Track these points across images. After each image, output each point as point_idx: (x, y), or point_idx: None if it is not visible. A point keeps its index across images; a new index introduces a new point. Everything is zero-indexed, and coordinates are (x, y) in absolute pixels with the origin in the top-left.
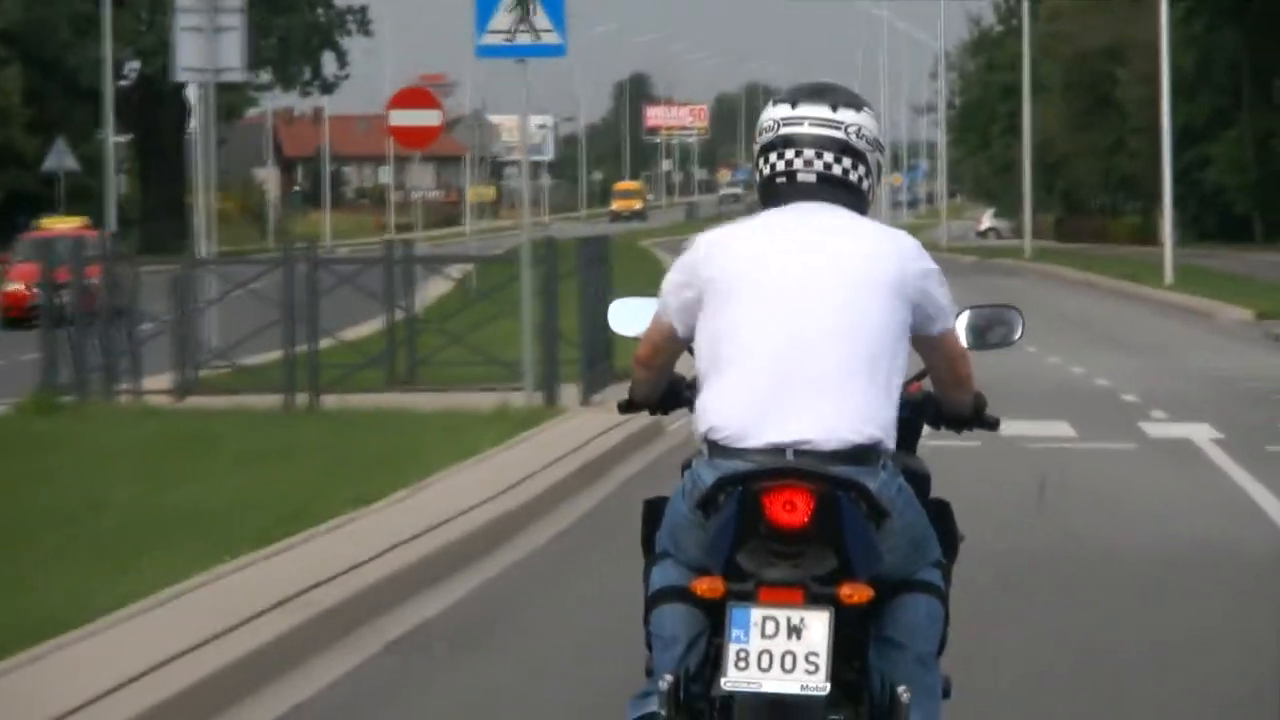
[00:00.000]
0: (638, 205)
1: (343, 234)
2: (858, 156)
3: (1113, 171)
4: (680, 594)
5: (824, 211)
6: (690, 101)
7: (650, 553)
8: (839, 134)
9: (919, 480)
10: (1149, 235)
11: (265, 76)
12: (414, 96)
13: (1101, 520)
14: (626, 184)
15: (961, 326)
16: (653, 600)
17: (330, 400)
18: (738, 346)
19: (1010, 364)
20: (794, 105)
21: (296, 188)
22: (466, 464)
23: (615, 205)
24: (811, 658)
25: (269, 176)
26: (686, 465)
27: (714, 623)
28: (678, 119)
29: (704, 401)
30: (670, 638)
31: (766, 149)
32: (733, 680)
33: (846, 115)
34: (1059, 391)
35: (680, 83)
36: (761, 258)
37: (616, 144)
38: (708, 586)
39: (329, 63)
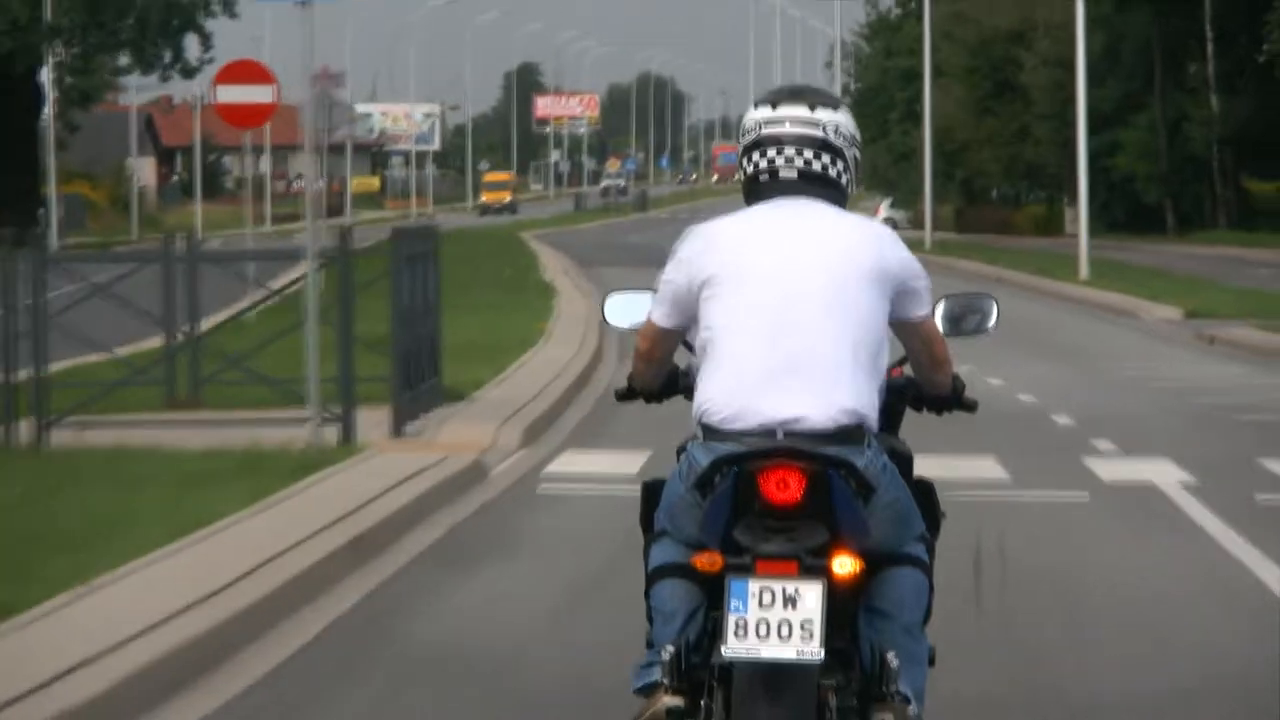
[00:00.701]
0: (507, 197)
1: (220, 225)
2: (836, 153)
3: (1016, 160)
4: (679, 570)
5: (806, 205)
6: (581, 91)
7: (649, 531)
8: (817, 132)
9: (902, 460)
10: (1054, 226)
11: (124, 60)
12: (244, 70)
13: (1066, 640)
14: (495, 174)
15: (938, 315)
16: (652, 576)
17: (66, 434)
18: (728, 334)
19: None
20: (774, 107)
21: (176, 177)
22: (178, 546)
23: (484, 197)
24: (806, 626)
25: (142, 166)
26: (682, 449)
27: (711, 597)
28: (567, 109)
29: (699, 386)
30: (670, 611)
31: (750, 148)
32: (732, 648)
33: (824, 115)
34: (979, 413)
35: (571, 72)
36: (749, 250)
37: (507, 134)
38: (707, 561)
39: (192, 46)
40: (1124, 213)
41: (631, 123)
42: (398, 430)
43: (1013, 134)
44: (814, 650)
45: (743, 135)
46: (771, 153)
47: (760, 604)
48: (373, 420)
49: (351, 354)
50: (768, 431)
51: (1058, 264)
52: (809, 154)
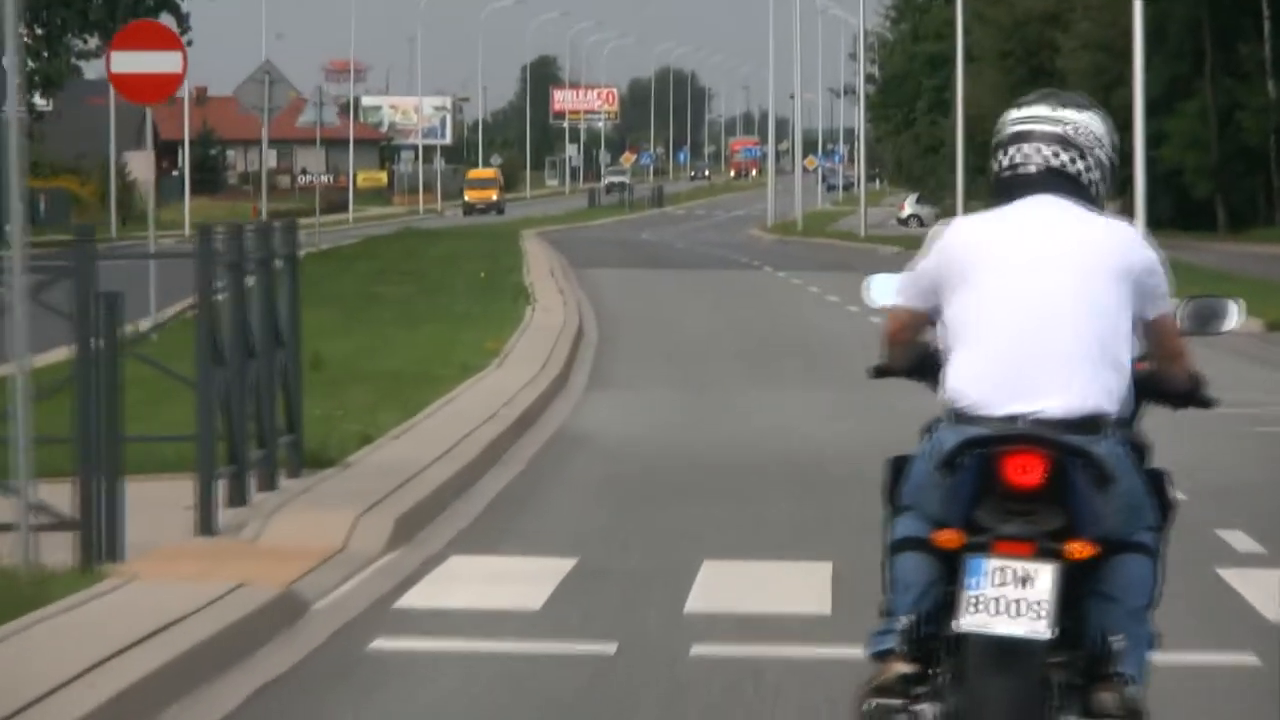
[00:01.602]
0: (493, 196)
1: (215, 221)
2: (1081, 152)
3: None
4: (920, 544)
5: (1054, 203)
6: (600, 85)
7: (893, 506)
8: (1061, 130)
9: (1139, 451)
10: None
11: (93, 42)
12: (145, 34)
13: None
14: (480, 171)
15: (1181, 312)
16: (894, 548)
17: None
18: (979, 324)
19: None
20: (1023, 107)
21: (175, 171)
22: None
23: (467, 196)
24: (1038, 605)
25: (138, 160)
26: (928, 429)
27: (948, 571)
28: (586, 103)
29: (949, 372)
30: (909, 582)
31: (997, 147)
32: (967, 622)
33: (1070, 114)
34: None
35: (590, 66)
36: (1000, 245)
37: (525, 129)
38: (947, 538)
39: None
40: (1170, 208)
41: (651, 117)
42: (206, 525)
43: None
44: (1043, 629)
45: (995, 135)
46: (1015, 150)
47: (995, 582)
48: (168, 509)
49: (104, 405)
50: (1011, 418)
51: None
52: (1051, 151)
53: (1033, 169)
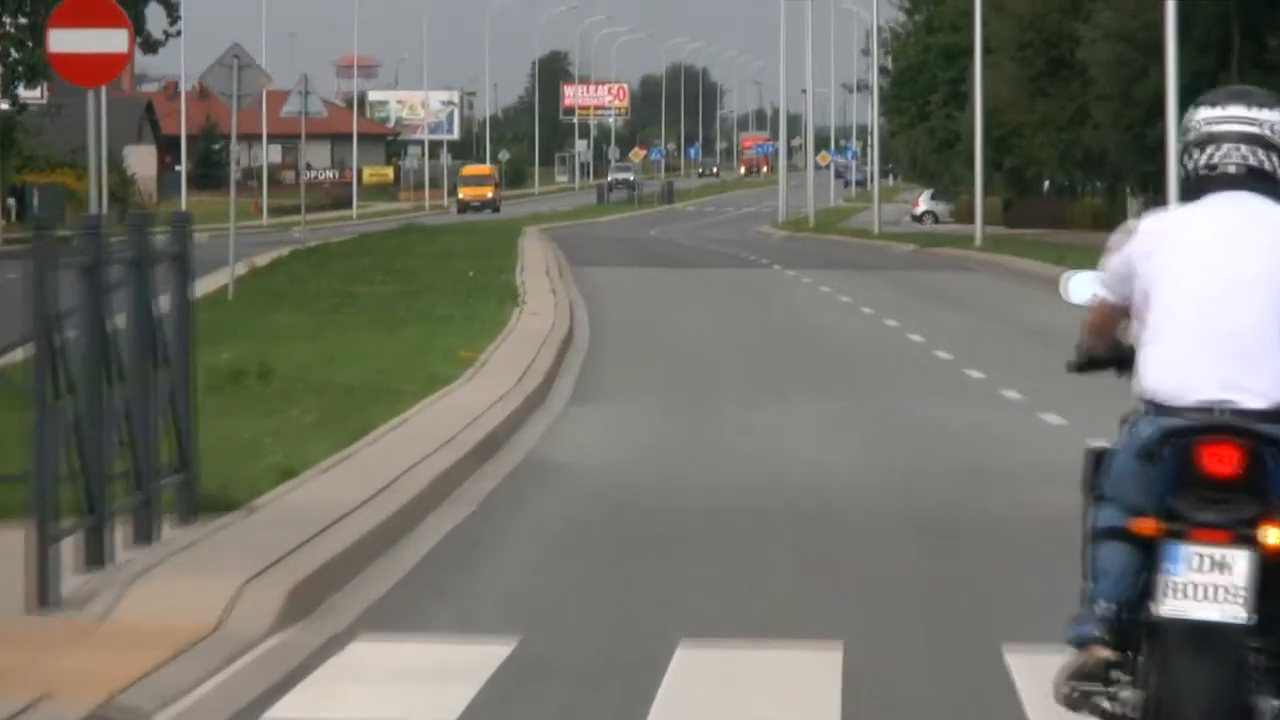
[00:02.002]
0: (489, 193)
1: (213, 218)
2: (1276, 150)
3: (1073, 146)
4: (1120, 534)
5: (1248, 199)
6: (611, 80)
7: (1094, 496)
8: (1258, 130)
9: None
10: (1115, 220)
11: None
12: (86, 9)
13: None
14: (475, 167)
15: None
16: (1095, 537)
17: None
18: (1172, 316)
19: (1020, 446)
20: (1216, 106)
21: (179, 167)
22: None
23: (461, 193)
24: (1235, 590)
25: (141, 155)
26: (1126, 421)
27: (1147, 560)
28: (597, 98)
29: (1143, 363)
30: (1109, 570)
31: (1191, 146)
32: (1165, 607)
33: (1265, 114)
34: None
35: (600, 61)
36: (1195, 239)
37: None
38: (1144, 525)
39: (156, 17)
40: None
41: (661, 113)
42: (41, 597)
43: (1069, 117)
44: (1240, 613)
45: (1184, 134)
46: (1213, 150)
47: (1193, 568)
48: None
49: None
50: (1206, 408)
51: None
52: (1248, 151)
53: (1231, 168)
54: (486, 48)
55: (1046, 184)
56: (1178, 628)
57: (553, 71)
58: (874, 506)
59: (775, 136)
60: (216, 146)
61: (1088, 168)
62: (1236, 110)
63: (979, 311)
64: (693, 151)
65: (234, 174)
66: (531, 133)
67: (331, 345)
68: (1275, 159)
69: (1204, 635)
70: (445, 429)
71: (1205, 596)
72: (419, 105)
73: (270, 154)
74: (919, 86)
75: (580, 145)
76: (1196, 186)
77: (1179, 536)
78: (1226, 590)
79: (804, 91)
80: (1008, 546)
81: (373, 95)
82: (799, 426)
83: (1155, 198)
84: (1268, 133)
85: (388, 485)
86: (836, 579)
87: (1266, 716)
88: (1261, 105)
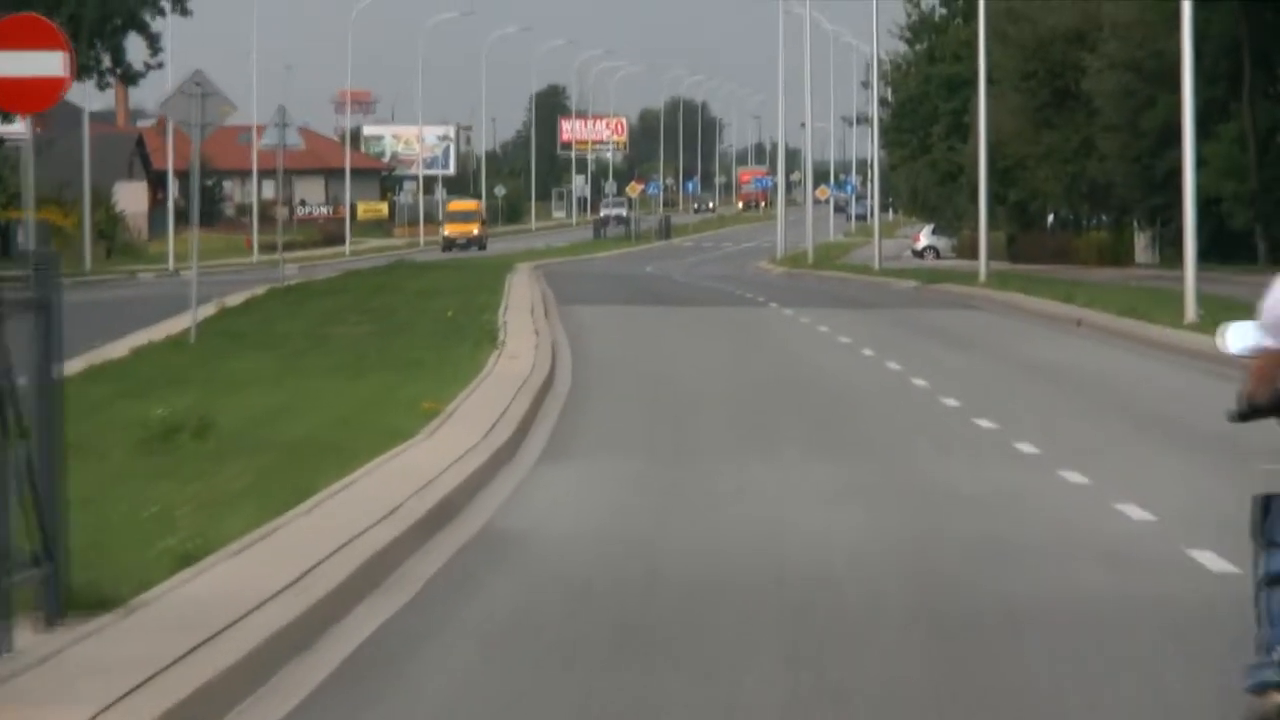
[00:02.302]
0: (475, 230)
1: (204, 255)
2: None
3: (1078, 178)
4: None
5: None
6: (609, 114)
7: (1263, 541)
8: None
9: None
10: (1121, 255)
11: None
12: (21, 30)
13: None
14: (461, 203)
15: None
16: (1270, 583)
17: None
18: None
19: (1042, 512)
20: None
21: (171, 203)
22: None
23: (446, 230)
24: None
25: (131, 191)
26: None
27: None
28: (595, 133)
29: None
30: None
31: None
32: None
33: None
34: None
35: (599, 96)
36: None
37: (535, 159)
38: None
39: (136, 49)
40: (1206, 239)
41: (660, 148)
42: None
43: (1074, 149)
44: None
45: None
46: None
47: None
48: None
49: None
50: None
51: (1151, 302)
52: None
53: None
54: (483, 82)
55: (1051, 218)
56: None
57: (551, 106)
58: (881, 592)
59: (774, 171)
60: (209, 182)
61: (1094, 200)
62: None
63: (985, 352)
64: (691, 186)
65: (195, 206)
66: (529, 168)
67: (290, 394)
68: None
69: None
70: (393, 495)
71: None
72: (414, 140)
73: (265, 190)
74: (920, 118)
75: (577, 180)
76: None
77: None
78: None
79: (803, 125)
80: (1038, 642)
81: (368, 130)
82: (793, 489)
83: (1164, 231)
84: None
85: (311, 569)
86: (837, 704)
87: None
88: None
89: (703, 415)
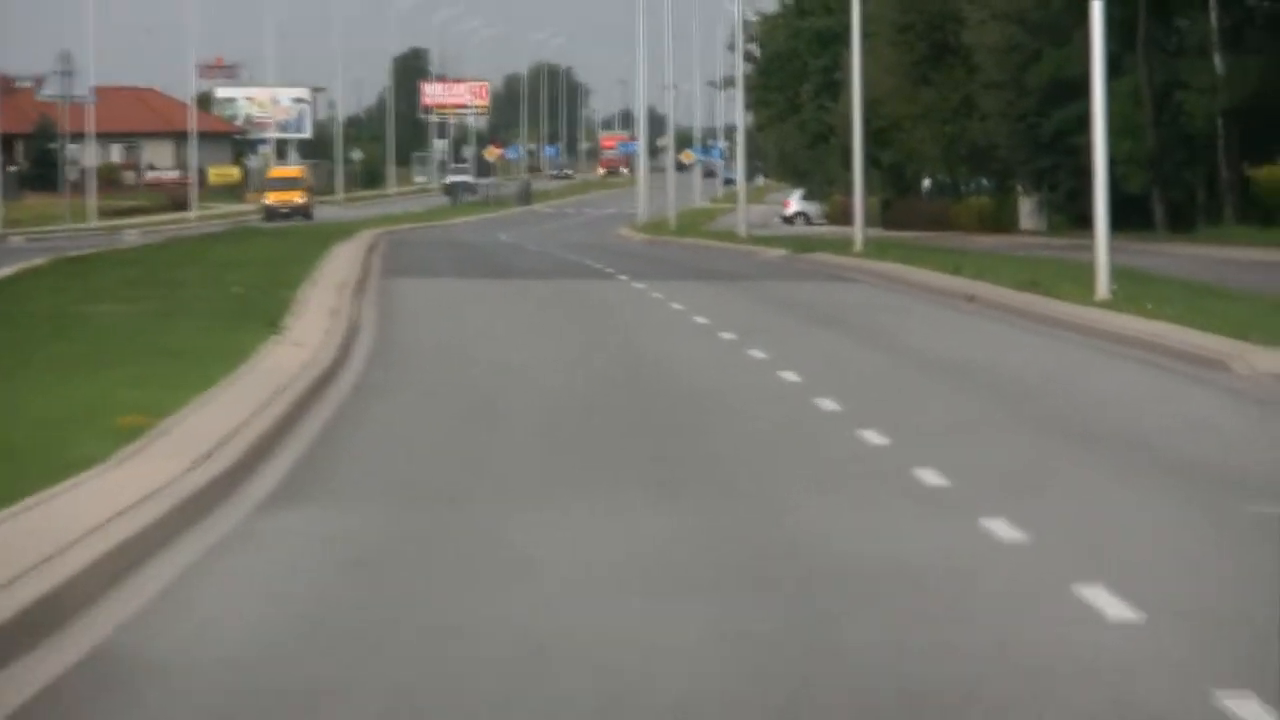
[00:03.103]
0: (299, 198)
1: (46, 219)
2: None
3: (958, 140)
4: None
5: None
6: (472, 79)
7: None
8: None
9: None
10: (1005, 222)
11: None
12: None
13: None
14: (282, 169)
15: None
16: None
17: None
18: None
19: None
20: None
21: (14, 167)
22: None
23: (267, 199)
24: None
25: None
26: None
27: None
28: (456, 97)
29: None
30: None
31: None
32: None
33: None
34: None
35: (465, 60)
36: None
37: (396, 123)
38: None
39: None
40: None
41: (524, 113)
42: None
43: (954, 108)
44: None
45: None
46: None
47: None
48: None
49: None
50: None
51: (1052, 274)
52: None
53: None
54: (338, 43)
55: (927, 182)
56: None
57: (413, 70)
58: None
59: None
60: (52, 145)
61: (974, 163)
62: None
63: (868, 337)
64: (551, 150)
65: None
66: (385, 133)
67: None
68: None
69: None
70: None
71: None
72: (269, 102)
73: (112, 154)
74: (788, 76)
75: (439, 145)
76: None
77: None
78: None
79: (667, 88)
80: None
81: (221, 92)
82: (608, 559)
83: (1051, 195)
84: None
85: None
86: None
87: None
88: None
89: (506, 431)
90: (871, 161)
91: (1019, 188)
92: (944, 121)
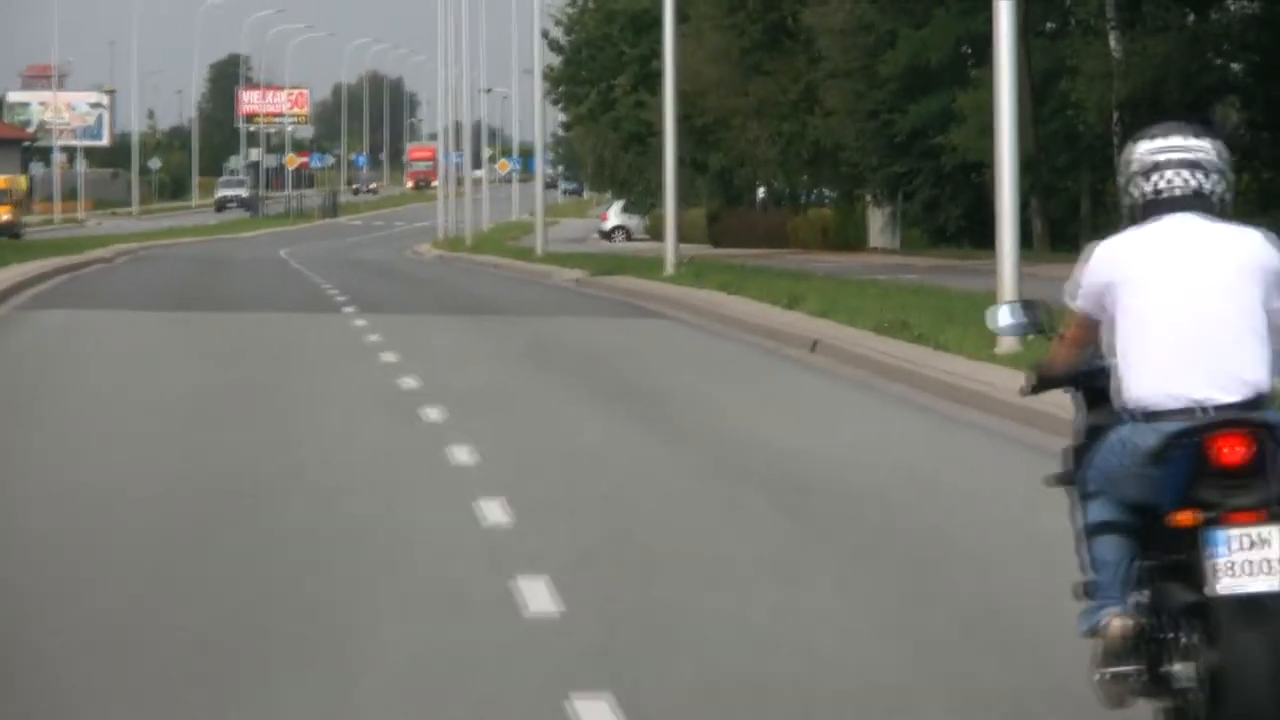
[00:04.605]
0: (4, 214)
1: None
2: (1218, 173)
3: (797, 141)
4: (1116, 526)
5: (1194, 219)
6: (291, 86)
7: (1080, 493)
8: (1196, 157)
9: None
10: (852, 237)
11: None
12: None
13: None
14: None
15: None
16: (1092, 531)
17: None
18: (1152, 330)
19: None
20: (1156, 139)
21: None
22: None
23: None
24: (1276, 562)
25: None
26: (1095, 428)
27: (1140, 548)
28: (275, 105)
29: (1126, 376)
30: (1110, 560)
31: (1137, 176)
32: (1221, 586)
33: (1198, 143)
34: None
35: (288, 67)
36: (1155, 257)
37: (211, 132)
38: (1185, 517)
39: None
40: (961, 217)
41: (344, 122)
42: None
43: (793, 102)
44: None
45: (1127, 165)
46: (1161, 177)
47: (1237, 548)
48: None
49: None
50: (1193, 409)
51: (929, 310)
52: (1190, 175)
53: (1178, 192)
54: (134, 44)
55: (762, 191)
56: (1234, 603)
57: (232, 76)
58: None
59: (460, 146)
60: None
61: (816, 168)
62: (1177, 140)
63: (657, 418)
64: (360, 160)
65: None
66: (206, 143)
67: None
68: (1215, 181)
69: (1258, 606)
70: None
71: (1253, 571)
72: (64, 107)
73: None
74: (600, 67)
75: (255, 154)
76: (1145, 211)
77: (1217, 523)
78: (1270, 563)
79: (484, 91)
80: None
81: (12, 96)
82: None
83: (907, 206)
84: (1204, 158)
85: None
86: None
87: None
88: (1196, 135)
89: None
90: (695, 166)
91: (868, 197)
92: (781, 118)
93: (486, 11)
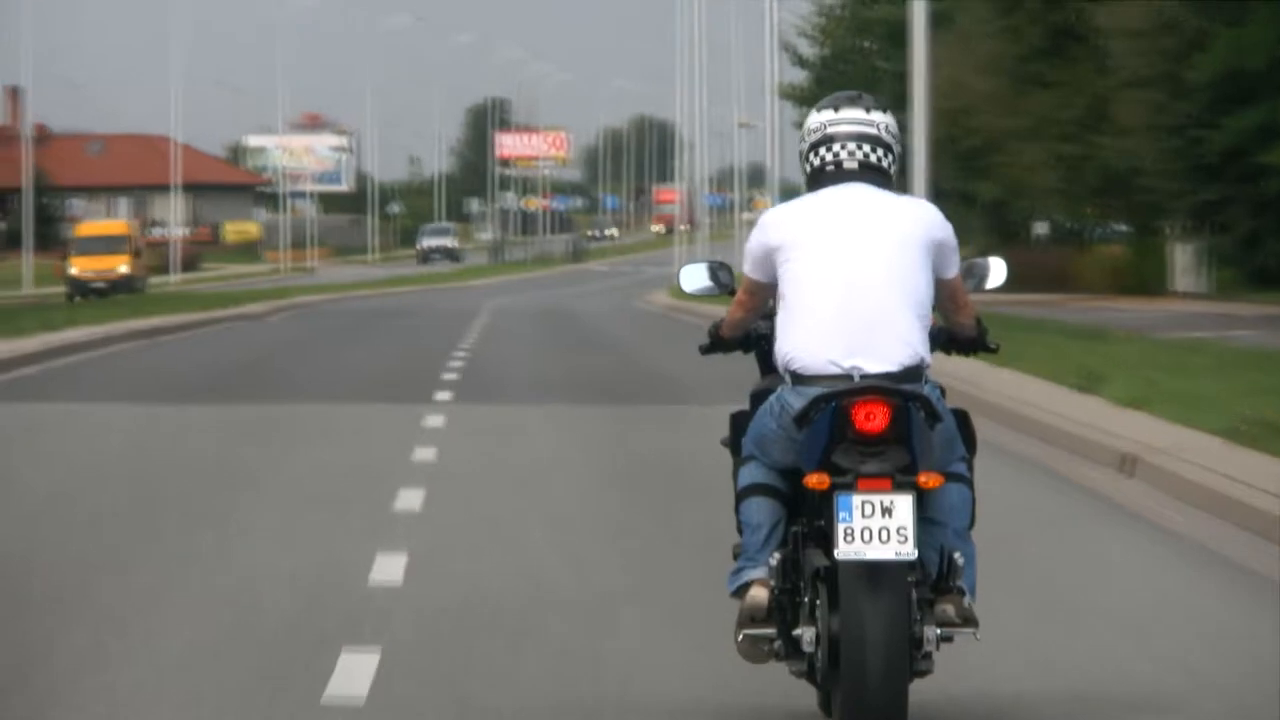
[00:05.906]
0: (121, 265)
1: (8, 284)
2: (886, 147)
3: (1084, 164)
4: (765, 489)
5: (864, 189)
6: (549, 128)
7: (737, 455)
8: (872, 130)
9: (941, 392)
10: (1150, 280)
11: None
12: None
13: None
14: (95, 226)
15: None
16: (742, 494)
17: None
18: (807, 293)
19: None
20: (836, 110)
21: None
22: None
23: (74, 267)
24: (901, 531)
25: None
26: (758, 393)
27: (790, 512)
28: (532, 148)
29: (782, 339)
30: (759, 522)
31: (816, 145)
32: (841, 550)
33: (876, 116)
34: None
35: (549, 109)
36: (820, 223)
37: (468, 176)
38: (816, 480)
39: None
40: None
41: (602, 167)
42: None
43: (1077, 120)
44: (908, 551)
45: (806, 135)
46: (836, 148)
47: (863, 514)
48: None
49: None
50: (846, 375)
51: None
52: (866, 148)
53: (853, 164)
54: (368, 93)
55: (1042, 226)
56: (855, 568)
57: (482, 119)
58: None
59: (729, 188)
60: (45, 200)
61: (1106, 197)
62: (853, 113)
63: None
64: (611, 202)
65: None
66: (465, 184)
67: None
68: (885, 155)
69: (877, 573)
70: None
71: (876, 538)
72: (303, 151)
73: (120, 209)
74: (851, 82)
75: (508, 197)
76: (821, 180)
77: (848, 488)
78: (893, 531)
79: (742, 126)
80: None
81: (251, 141)
82: None
83: (1217, 241)
84: (880, 132)
85: None
86: None
87: (931, 643)
88: (873, 108)
89: None
90: (962, 198)
91: (1170, 231)
92: (1063, 138)
93: (733, 35)
